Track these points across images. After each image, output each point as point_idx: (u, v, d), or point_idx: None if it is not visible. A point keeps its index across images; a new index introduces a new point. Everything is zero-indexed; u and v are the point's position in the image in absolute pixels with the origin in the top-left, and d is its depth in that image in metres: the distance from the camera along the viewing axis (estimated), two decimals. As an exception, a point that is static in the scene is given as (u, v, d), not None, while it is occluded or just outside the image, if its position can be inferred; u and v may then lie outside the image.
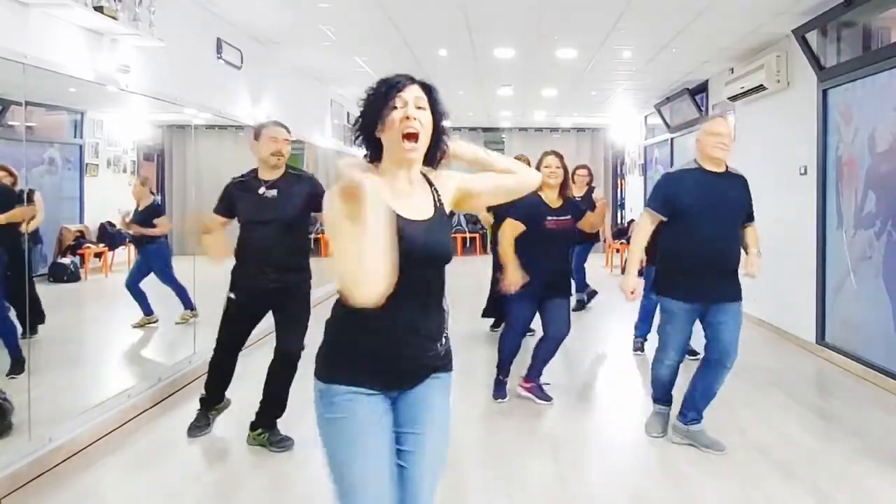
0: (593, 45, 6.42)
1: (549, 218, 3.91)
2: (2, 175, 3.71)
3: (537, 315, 4.10)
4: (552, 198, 3.96)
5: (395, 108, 1.62)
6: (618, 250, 11.02)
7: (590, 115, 12.04)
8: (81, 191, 4.58)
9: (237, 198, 3.34)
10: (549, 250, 3.92)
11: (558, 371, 4.88)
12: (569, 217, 4.02)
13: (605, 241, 10.53)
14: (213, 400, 3.67)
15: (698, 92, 8.40)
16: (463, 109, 11.40)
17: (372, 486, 1.61)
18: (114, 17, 3.66)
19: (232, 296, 3.39)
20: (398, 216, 1.60)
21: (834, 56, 5.21)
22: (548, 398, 4.15)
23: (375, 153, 1.70)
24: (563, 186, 4.01)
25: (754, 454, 3.34)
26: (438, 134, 1.70)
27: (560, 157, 4.01)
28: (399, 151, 1.64)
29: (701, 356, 4.54)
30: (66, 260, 4.55)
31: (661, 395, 3.65)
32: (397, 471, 1.66)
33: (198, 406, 3.66)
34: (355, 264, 1.46)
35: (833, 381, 4.69)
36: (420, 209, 1.68)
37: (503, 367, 4.20)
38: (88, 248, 4.72)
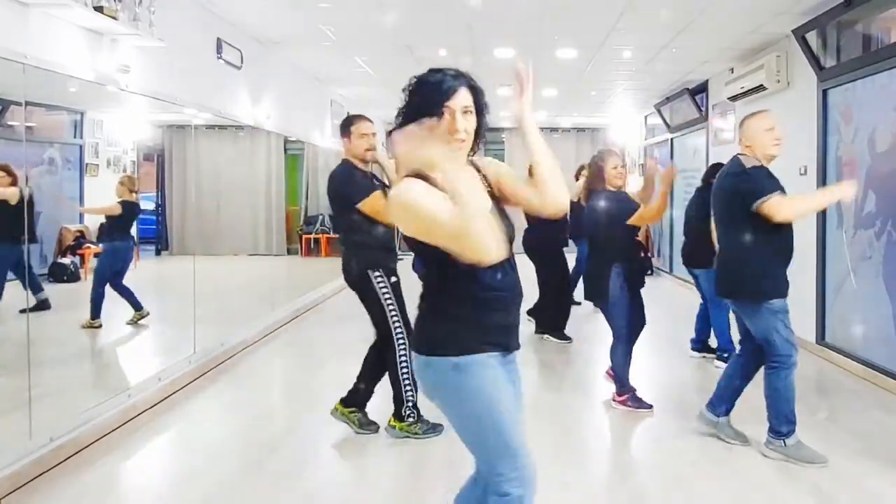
0: (593, 45, 6.42)
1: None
2: (0, 175, 3.70)
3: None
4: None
5: (444, 115, 1.76)
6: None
7: (590, 115, 12.04)
8: (81, 191, 4.58)
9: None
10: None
11: (559, 370, 4.88)
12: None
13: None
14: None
15: (698, 92, 8.40)
16: (463, 109, 11.40)
17: None
18: (114, 17, 3.65)
19: (394, 278, 3.48)
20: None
21: (834, 56, 5.21)
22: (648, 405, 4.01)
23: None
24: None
25: (754, 454, 3.34)
26: (481, 129, 1.84)
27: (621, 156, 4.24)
28: (446, 143, 1.74)
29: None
30: (66, 260, 4.55)
31: (794, 416, 3.24)
32: None
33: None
34: (476, 230, 1.57)
35: (833, 381, 4.69)
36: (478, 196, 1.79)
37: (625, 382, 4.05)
38: (88, 248, 4.72)
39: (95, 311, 4.73)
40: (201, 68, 5.17)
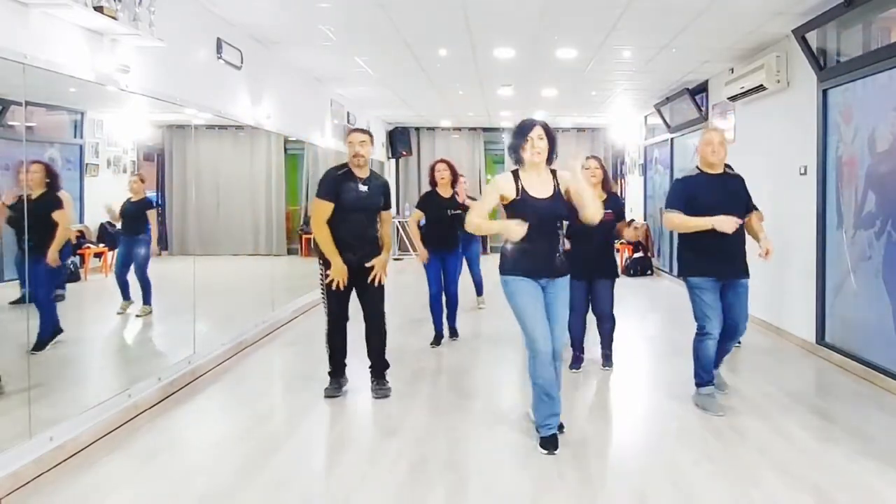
0: (593, 45, 6.42)
1: None
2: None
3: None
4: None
5: (528, 141, 3.40)
6: (617, 250, 11.02)
7: (590, 115, 12.04)
8: (81, 191, 4.57)
9: (342, 189, 4.14)
10: (588, 238, 4.52)
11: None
12: (608, 211, 4.55)
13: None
14: (338, 370, 4.32)
15: (698, 92, 8.40)
16: (463, 109, 11.39)
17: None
18: (114, 17, 3.65)
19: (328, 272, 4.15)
20: (531, 195, 3.41)
21: (834, 56, 5.21)
22: (610, 365, 4.95)
23: (520, 160, 3.46)
24: (605, 183, 4.79)
25: (754, 454, 3.35)
26: (552, 146, 3.46)
27: (599, 159, 4.86)
28: (531, 160, 3.42)
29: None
30: (67, 260, 4.54)
31: (708, 375, 4.05)
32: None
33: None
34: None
35: (833, 381, 4.69)
36: (544, 191, 3.43)
37: (576, 345, 4.91)
38: (88, 248, 4.72)
39: (125, 295, 5.04)
40: (201, 68, 5.17)
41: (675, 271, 4.06)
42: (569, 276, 3.50)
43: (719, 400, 4.06)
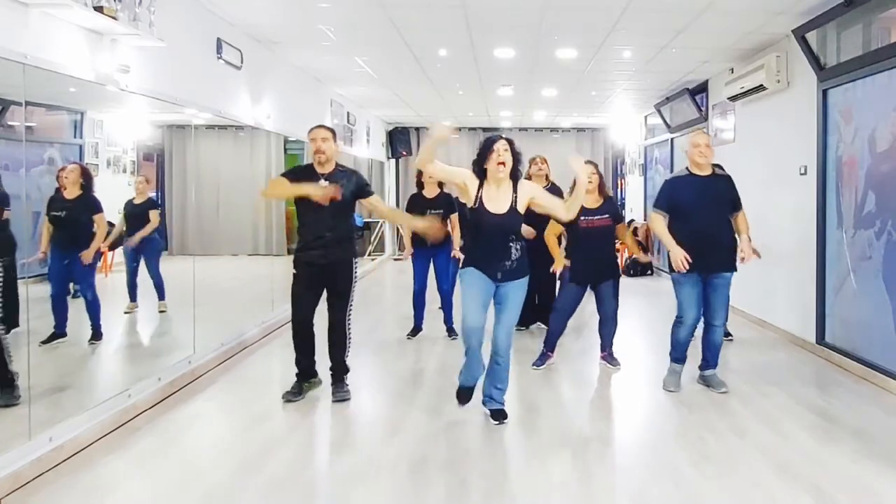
0: (593, 45, 6.41)
1: (583, 218, 4.65)
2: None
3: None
4: (588, 200, 4.66)
5: (493, 152, 3.53)
6: (618, 250, 11.01)
7: (590, 115, 12.04)
8: (82, 190, 4.56)
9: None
10: (589, 243, 4.72)
11: (558, 372, 4.88)
12: (605, 216, 4.77)
13: None
14: (304, 371, 4.25)
15: (698, 92, 8.39)
16: (463, 109, 11.39)
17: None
18: (114, 17, 3.65)
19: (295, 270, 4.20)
20: (486, 209, 3.54)
21: (834, 56, 5.21)
22: (617, 363, 5.02)
23: (483, 174, 3.59)
24: (601, 188, 4.82)
25: (754, 454, 3.35)
26: (516, 163, 3.59)
27: (595, 165, 4.82)
28: (494, 173, 3.55)
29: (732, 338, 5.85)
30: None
31: (679, 354, 4.45)
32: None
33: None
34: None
35: (833, 381, 4.69)
36: (500, 207, 3.55)
37: (549, 343, 4.98)
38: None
39: (133, 296, 5.15)
40: (201, 68, 5.16)
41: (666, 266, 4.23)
42: (526, 278, 3.67)
43: (682, 380, 4.46)
